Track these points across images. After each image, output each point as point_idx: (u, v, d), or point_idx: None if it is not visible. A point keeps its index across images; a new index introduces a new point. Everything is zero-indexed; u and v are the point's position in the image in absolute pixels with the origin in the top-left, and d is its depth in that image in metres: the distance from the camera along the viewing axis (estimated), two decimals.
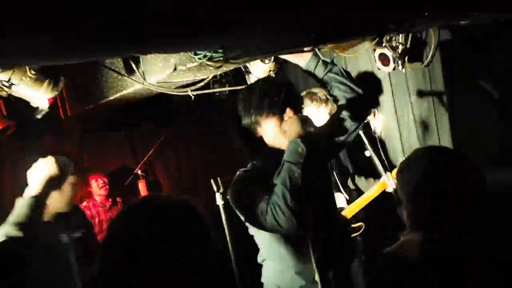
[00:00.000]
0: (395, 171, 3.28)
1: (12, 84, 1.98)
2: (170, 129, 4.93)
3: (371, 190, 3.07)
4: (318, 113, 2.88)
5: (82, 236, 2.46)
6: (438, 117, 3.27)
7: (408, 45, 3.07)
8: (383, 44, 3.07)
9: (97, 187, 4.18)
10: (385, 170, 2.92)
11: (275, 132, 1.86)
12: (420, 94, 3.29)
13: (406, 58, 3.13)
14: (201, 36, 1.35)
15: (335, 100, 2.06)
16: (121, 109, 3.53)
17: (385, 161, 3.23)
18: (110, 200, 4.27)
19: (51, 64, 1.38)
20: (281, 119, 1.84)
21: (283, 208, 1.66)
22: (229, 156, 2.04)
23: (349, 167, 3.21)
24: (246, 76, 2.71)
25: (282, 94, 1.84)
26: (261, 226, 1.78)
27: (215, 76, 2.97)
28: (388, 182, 3.06)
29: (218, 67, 1.88)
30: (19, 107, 3.19)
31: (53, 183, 1.80)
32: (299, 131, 1.78)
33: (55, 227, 2.04)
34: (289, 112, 1.83)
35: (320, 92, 2.89)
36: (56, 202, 1.96)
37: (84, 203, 4.18)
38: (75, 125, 3.88)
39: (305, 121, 1.81)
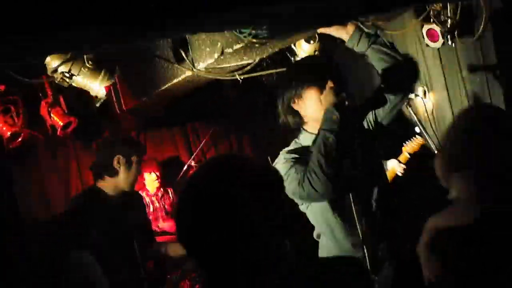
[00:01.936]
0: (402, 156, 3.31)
1: (72, 74, 2.14)
2: (223, 122, 5.05)
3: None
4: None
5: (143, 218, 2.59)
6: (492, 92, 3.14)
7: (457, 19, 2.97)
8: (431, 20, 2.99)
9: (151, 179, 4.37)
10: (436, 147, 2.86)
11: (315, 104, 1.88)
12: (472, 69, 3.18)
13: (456, 33, 3.03)
14: (238, 9, 1.37)
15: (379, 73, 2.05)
16: (175, 106, 3.68)
17: (438, 139, 3.16)
18: (162, 190, 4.46)
19: (115, 47, 1.48)
20: (321, 92, 1.86)
21: (318, 174, 1.72)
22: (279, 147, 2.09)
23: None
24: (292, 59, 2.74)
25: (323, 67, 1.89)
26: (299, 196, 1.83)
27: (261, 64, 3.03)
28: (397, 166, 3.09)
29: (264, 44, 1.93)
30: (78, 104, 3.41)
31: None
32: (333, 99, 1.81)
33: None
34: (329, 84, 1.85)
35: None
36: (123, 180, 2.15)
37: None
38: (132, 122, 4.07)
39: (339, 90, 1.83)
